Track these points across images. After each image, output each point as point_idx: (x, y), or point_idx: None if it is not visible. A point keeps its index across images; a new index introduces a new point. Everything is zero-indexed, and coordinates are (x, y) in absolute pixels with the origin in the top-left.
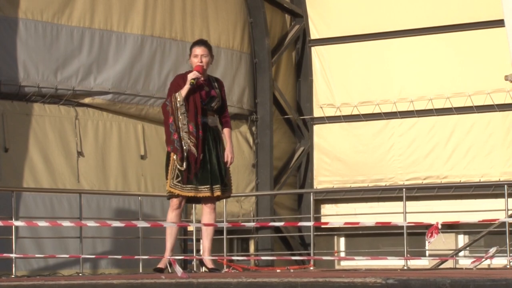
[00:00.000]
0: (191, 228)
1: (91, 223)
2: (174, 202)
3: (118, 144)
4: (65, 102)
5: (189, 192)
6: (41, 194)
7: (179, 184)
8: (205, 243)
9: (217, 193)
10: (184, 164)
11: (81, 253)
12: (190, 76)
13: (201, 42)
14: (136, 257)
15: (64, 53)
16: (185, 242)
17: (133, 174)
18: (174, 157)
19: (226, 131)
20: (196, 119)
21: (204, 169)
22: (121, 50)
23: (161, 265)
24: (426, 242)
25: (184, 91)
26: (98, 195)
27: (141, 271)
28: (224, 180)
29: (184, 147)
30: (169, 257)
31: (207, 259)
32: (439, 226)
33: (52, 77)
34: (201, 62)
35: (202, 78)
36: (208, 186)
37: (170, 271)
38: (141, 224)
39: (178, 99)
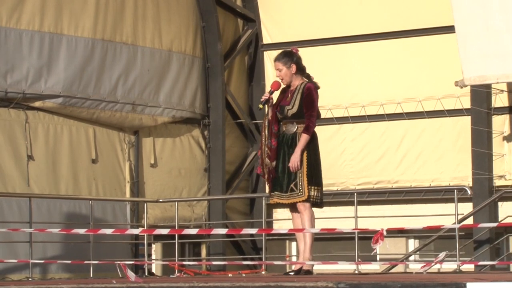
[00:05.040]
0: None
1: (27, 229)
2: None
3: (69, 148)
4: (15, 105)
5: (273, 199)
6: None
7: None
8: (299, 246)
9: (282, 200)
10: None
11: (30, 257)
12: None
13: (276, 57)
14: (86, 262)
15: (13, 56)
16: (136, 247)
17: (84, 178)
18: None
19: (301, 136)
20: (270, 129)
21: (276, 177)
22: (71, 54)
23: (296, 267)
24: (372, 249)
25: (269, 111)
26: (49, 199)
27: (91, 275)
28: (290, 186)
29: (264, 160)
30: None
31: (305, 260)
32: (384, 233)
33: (1, 80)
34: (278, 76)
35: (270, 96)
36: (277, 193)
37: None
38: (82, 231)
39: (266, 116)
